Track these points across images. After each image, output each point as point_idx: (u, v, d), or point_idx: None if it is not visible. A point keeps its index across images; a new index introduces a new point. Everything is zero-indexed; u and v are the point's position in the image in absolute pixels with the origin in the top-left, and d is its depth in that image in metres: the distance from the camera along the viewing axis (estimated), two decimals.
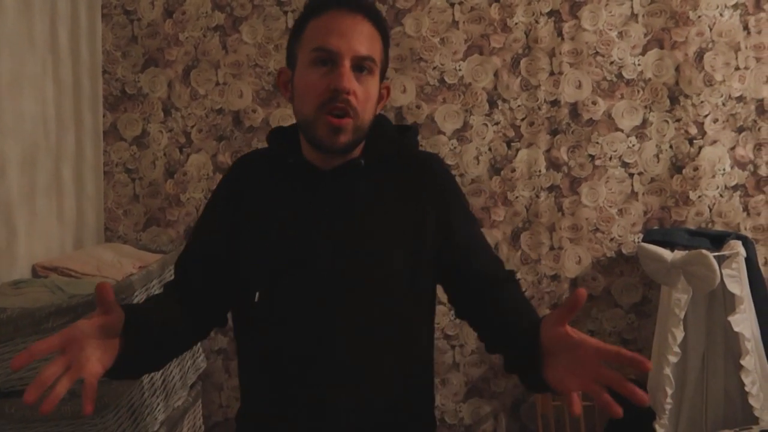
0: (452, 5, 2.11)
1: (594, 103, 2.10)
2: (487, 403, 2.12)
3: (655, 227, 2.08)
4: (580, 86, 2.10)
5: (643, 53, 2.08)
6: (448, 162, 2.13)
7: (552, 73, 2.10)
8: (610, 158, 2.10)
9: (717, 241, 1.86)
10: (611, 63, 2.09)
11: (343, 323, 1.00)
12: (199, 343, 2.13)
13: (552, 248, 2.11)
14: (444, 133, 2.13)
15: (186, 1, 2.14)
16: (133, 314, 0.91)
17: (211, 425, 2.17)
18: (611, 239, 2.10)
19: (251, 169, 1.10)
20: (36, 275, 1.80)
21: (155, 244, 2.11)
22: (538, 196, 2.11)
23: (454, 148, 2.13)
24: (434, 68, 2.12)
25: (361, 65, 0.96)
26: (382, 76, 1.03)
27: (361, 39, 0.96)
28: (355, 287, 1.00)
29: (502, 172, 2.12)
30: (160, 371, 1.83)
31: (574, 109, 2.11)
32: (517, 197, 2.12)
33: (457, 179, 2.11)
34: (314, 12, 0.99)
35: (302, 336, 1.01)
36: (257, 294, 1.02)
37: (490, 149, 2.12)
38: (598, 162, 2.10)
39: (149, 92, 2.17)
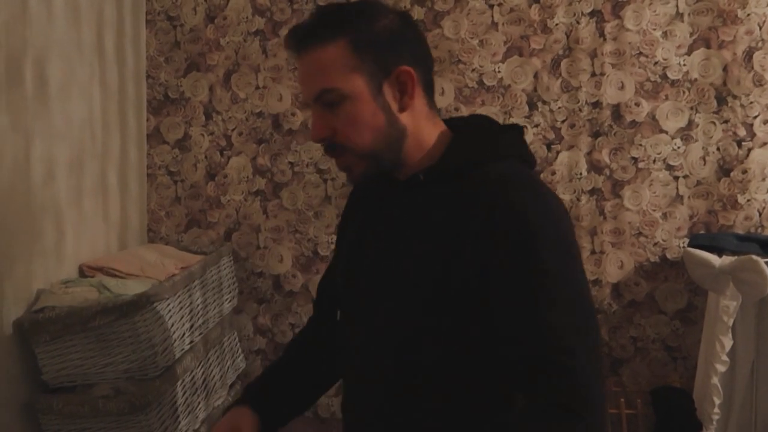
0: (491, 7, 2.09)
1: (637, 104, 2.05)
2: None
3: (702, 232, 2.02)
4: (622, 87, 2.06)
5: (688, 53, 2.03)
6: None
7: (593, 74, 2.07)
8: (654, 161, 2.05)
9: (767, 246, 1.80)
10: (655, 63, 2.04)
11: (368, 340, 0.96)
12: (238, 344, 2.16)
13: (593, 252, 2.07)
14: None
15: (227, 6, 2.18)
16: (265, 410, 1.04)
17: None
18: (655, 244, 2.05)
19: (366, 186, 1.07)
20: (83, 275, 1.85)
21: (196, 246, 2.15)
22: (579, 199, 2.08)
23: None
24: (473, 70, 2.11)
25: (326, 101, 0.89)
26: (380, 75, 0.89)
27: (311, 77, 0.89)
28: (378, 307, 0.94)
29: (541, 175, 2.09)
30: (201, 371, 1.86)
31: (617, 111, 2.06)
32: None
33: None
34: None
35: (347, 351, 1.01)
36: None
37: None
38: (641, 165, 2.05)
39: (191, 96, 2.21)
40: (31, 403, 1.60)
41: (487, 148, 0.92)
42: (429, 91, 0.93)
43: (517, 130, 0.97)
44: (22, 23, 1.61)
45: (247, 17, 2.17)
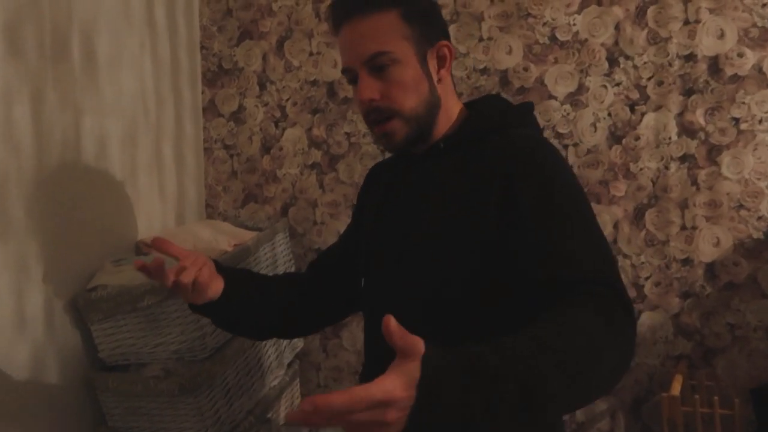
0: None
1: (740, 55, 1.76)
2: (603, 400, 1.90)
3: None
4: (722, 36, 1.77)
5: None
6: (560, 130, 1.89)
7: (687, 22, 1.79)
8: (760, 121, 1.76)
9: None
10: (764, 5, 1.73)
11: (399, 300, 1.00)
12: None
13: (684, 228, 1.82)
14: (556, 98, 1.90)
15: None
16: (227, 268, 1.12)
17: None
18: (759, 218, 1.77)
19: (386, 161, 1.20)
20: (138, 252, 1.83)
21: (252, 221, 2.09)
22: (667, 168, 1.83)
23: (567, 114, 1.89)
24: (544, 24, 1.89)
25: (376, 65, 0.95)
26: (425, 45, 0.98)
27: (364, 40, 0.95)
28: (414, 270, 0.98)
29: (623, 141, 1.86)
30: (255, 351, 1.81)
31: (715, 64, 1.78)
32: (641, 169, 1.84)
33: (571, 150, 1.88)
34: (335, 35, 1.01)
35: (374, 316, 1.07)
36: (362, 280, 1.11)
37: (609, 114, 1.86)
38: (743, 126, 1.77)
39: (245, 66, 2.13)
40: (89, 380, 1.61)
41: (499, 118, 1.01)
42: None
43: (529, 105, 1.07)
44: None
45: None
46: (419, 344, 0.61)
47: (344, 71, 1.00)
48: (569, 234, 0.85)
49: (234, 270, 1.14)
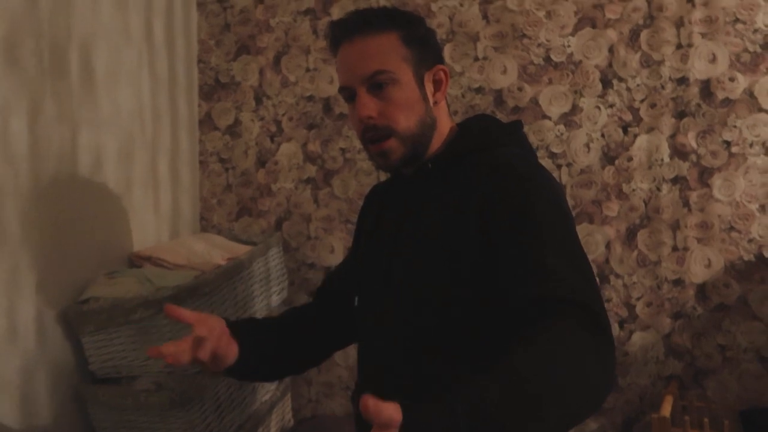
0: None
1: (732, 79, 1.78)
2: (593, 420, 1.90)
3: None
4: (714, 60, 1.79)
5: None
6: (554, 150, 1.91)
7: (679, 46, 1.82)
8: (751, 145, 1.78)
9: None
10: (755, 31, 1.76)
11: (384, 320, 1.02)
12: None
13: (675, 249, 1.84)
14: (549, 118, 1.91)
15: None
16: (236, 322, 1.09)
17: (300, 420, 2.14)
18: (750, 240, 1.78)
19: (381, 183, 1.22)
20: (132, 265, 1.84)
21: (246, 235, 2.09)
22: (659, 189, 1.84)
23: (561, 134, 1.91)
24: (539, 45, 1.91)
25: (375, 83, 0.97)
26: (422, 68, 1.00)
27: (364, 59, 0.97)
28: (396, 290, 1.01)
29: (616, 161, 1.87)
30: None
31: (707, 88, 1.81)
32: (633, 190, 1.86)
33: (564, 169, 1.90)
34: (333, 54, 1.03)
35: (364, 335, 1.10)
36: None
37: (602, 135, 1.88)
38: (735, 149, 1.79)
39: (241, 80, 2.14)
40: (79, 392, 1.61)
41: (487, 137, 1.02)
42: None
43: (518, 124, 1.08)
44: (66, 10, 1.58)
45: None
46: (396, 415, 0.63)
47: (342, 89, 1.02)
48: (546, 253, 0.85)
49: (245, 326, 1.12)
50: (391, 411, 0.63)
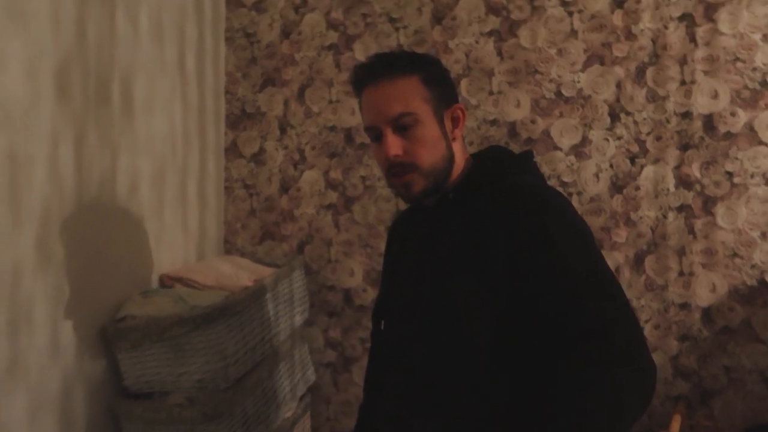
0: (570, 14, 2.01)
1: (733, 114, 1.90)
2: None
3: None
4: (716, 96, 1.91)
5: None
6: (565, 179, 2.01)
7: (683, 83, 1.93)
8: (752, 176, 1.89)
9: None
10: (754, 69, 1.88)
11: (410, 347, 1.09)
12: (309, 357, 2.17)
13: (681, 274, 1.93)
14: (561, 149, 2.02)
15: (302, 21, 2.21)
16: None
17: None
18: (752, 266, 1.88)
19: (404, 214, 1.28)
20: (163, 285, 1.91)
21: (269, 258, 2.18)
22: (665, 217, 1.94)
23: (572, 164, 2.01)
24: (550, 81, 2.03)
25: (400, 125, 1.04)
26: (442, 107, 1.08)
27: (390, 102, 1.05)
28: (420, 320, 1.07)
29: (624, 191, 1.97)
30: (272, 383, 1.88)
31: (709, 122, 1.92)
32: (641, 217, 1.96)
33: (574, 198, 2.00)
34: (357, 96, 1.12)
35: (388, 360, 1.17)
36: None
37: (611, 166, 1.99)
38: (737, 180, 1.90)
39: (267, 111, 2.25)
40: (112, 407, 1.67)
41: (499, 167, 1.10)
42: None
43: (528, 154, 1.16)
44: (111, 44, 1.69)
45: (321, 32, 2.19)
46: None
47: (368, 129, 1.09)
48: (576, 285, 0.93)
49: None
50: None
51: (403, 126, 1.04)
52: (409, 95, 1.05)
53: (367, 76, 1.07)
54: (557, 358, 0.90)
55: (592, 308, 0.91)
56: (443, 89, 1.09)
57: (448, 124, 1.09)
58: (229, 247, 2.29)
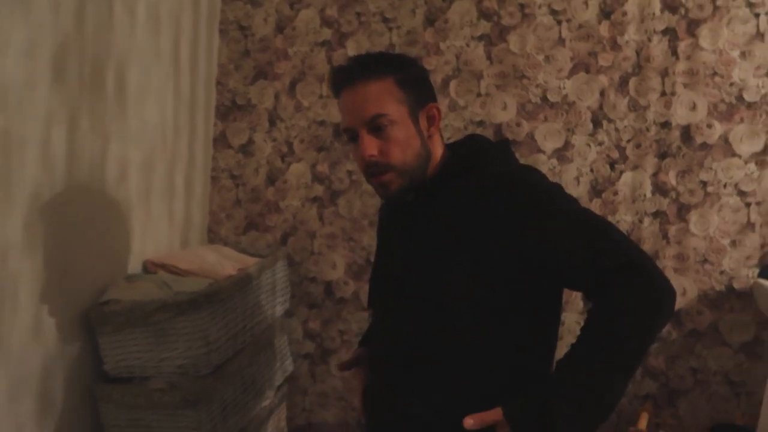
0: (559, 23, 2.06)
1: (709, 126, 1.97)
2: None
3: None
4: (694, 108, 1.98)
5: None
6: None
7: (663, 94, 2.00)
8: (725, 186, 1.96)
9: None
10: (731, 84, 1.96)
11: (398, 332, 1.13)
12: (287, 347, 2.20)
13: None
14: (544, 152, 2.08)
15: (297, 17, 2.24)
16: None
17: (293, 428, 2.23)
18: (721, 272, 1.95)
19: (386, 207, 1.31)
20: (146, 270, 1.93)
21: (253, 248, 2.20)
22: (641, 222, 2.01)
23: (554, 167, 2.07)
24: (537, 86, 2.08)
25: (375, 126, 1.07)
26: (417, 107, 1.11)
27: (364, 104, 1.07)
28: (407, 305, 1.12)
29: (603, 195, 2.04)
30: (251, 371, 1.90)
31: (687, 132, 1.99)
32: (618, 221, 2.02)
33: None
34: (336, 97, 1.14)
35: (379, 348, 1.21)
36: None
37: (591, 170, 2.05)
38: (710, 189, 1.97)
39: (257, 103, 2.28)
40: (91, 391, 1.68)
41: (477, 156, 1.13)
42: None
43: (505, 142, 1.20)
44: (108, 30, 1.70)
45: (315, 28, 2.23)
46: (498, 413, 0.96)
47: (345, 130, 1.12)
48: (586, 235, 1.01)
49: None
50: (492, 416, 0.93)
51: (378, 127, 1.07)
52: (384, 97, 1.07)
53: (344, 79, 1.10)
54: (597, 296, 1.00)
55: (615, 246, 0.99)
56: (418, 90, 1.12)
57: (423, 123, 1.12)
58: (212, 237, 2.31)
